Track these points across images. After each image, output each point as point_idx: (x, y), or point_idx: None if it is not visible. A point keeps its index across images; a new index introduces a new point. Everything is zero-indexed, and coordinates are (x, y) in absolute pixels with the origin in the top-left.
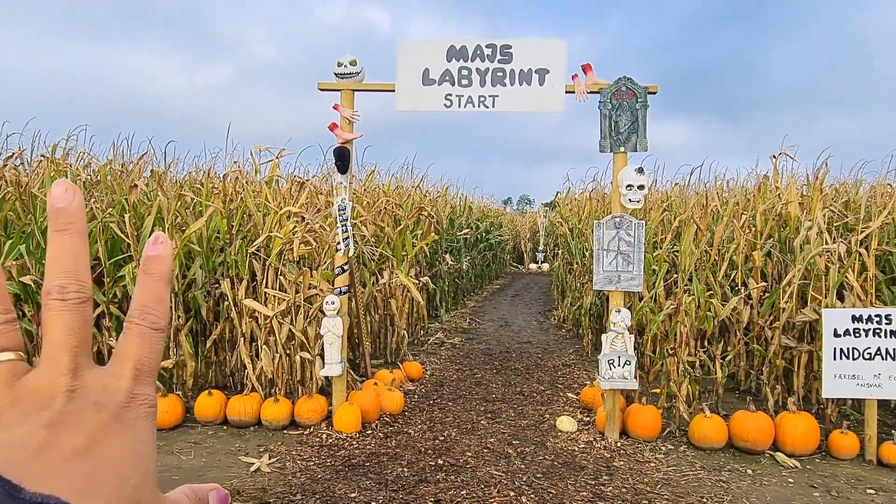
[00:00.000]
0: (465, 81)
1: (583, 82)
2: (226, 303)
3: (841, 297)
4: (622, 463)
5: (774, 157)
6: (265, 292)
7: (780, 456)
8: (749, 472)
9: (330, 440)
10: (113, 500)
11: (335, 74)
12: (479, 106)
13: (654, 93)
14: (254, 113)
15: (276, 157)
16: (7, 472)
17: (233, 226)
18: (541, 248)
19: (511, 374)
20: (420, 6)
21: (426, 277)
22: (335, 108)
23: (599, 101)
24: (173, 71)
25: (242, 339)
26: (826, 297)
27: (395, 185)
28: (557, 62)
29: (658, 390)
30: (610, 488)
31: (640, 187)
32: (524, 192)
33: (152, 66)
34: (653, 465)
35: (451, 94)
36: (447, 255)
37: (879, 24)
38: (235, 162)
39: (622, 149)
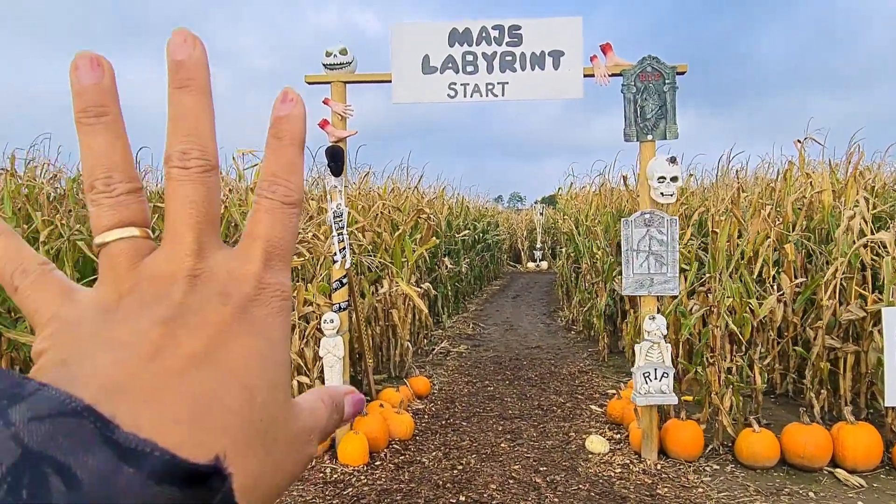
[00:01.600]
0: (470, 68)
1: (602, 64)
2: None
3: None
4: (666, 490)
5: (800, 141)
6: None
7: (840, 473)
8: (811, 494)
9: (335, 475)
10: (238, 426)
11: (324, 66)
12: (486, 95)
13: (683, 73)
14: (251, 119)
15: (261, 162)
16: (111, 390)
17: None
18: (538, 245)
19: (525, 384)
20: (410, 6)
21: (427, 283)
22: (325, 102)
23: (622, 85)
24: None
25: None
26: (879, 294)
27: (391, 188)
28: (573, 42)
29: (689, 397)
30: None
31: (674, 179)
32: (515, 190)
33: (148, 81)
34: (701, 490)
35: (454, 83)
36: (446, 259)
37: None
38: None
39: (650, 137)
